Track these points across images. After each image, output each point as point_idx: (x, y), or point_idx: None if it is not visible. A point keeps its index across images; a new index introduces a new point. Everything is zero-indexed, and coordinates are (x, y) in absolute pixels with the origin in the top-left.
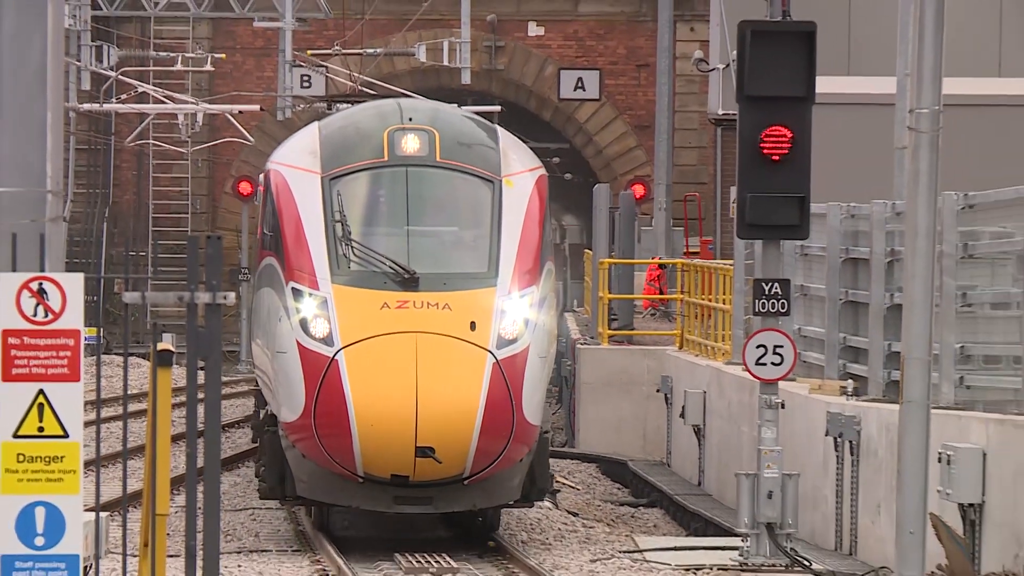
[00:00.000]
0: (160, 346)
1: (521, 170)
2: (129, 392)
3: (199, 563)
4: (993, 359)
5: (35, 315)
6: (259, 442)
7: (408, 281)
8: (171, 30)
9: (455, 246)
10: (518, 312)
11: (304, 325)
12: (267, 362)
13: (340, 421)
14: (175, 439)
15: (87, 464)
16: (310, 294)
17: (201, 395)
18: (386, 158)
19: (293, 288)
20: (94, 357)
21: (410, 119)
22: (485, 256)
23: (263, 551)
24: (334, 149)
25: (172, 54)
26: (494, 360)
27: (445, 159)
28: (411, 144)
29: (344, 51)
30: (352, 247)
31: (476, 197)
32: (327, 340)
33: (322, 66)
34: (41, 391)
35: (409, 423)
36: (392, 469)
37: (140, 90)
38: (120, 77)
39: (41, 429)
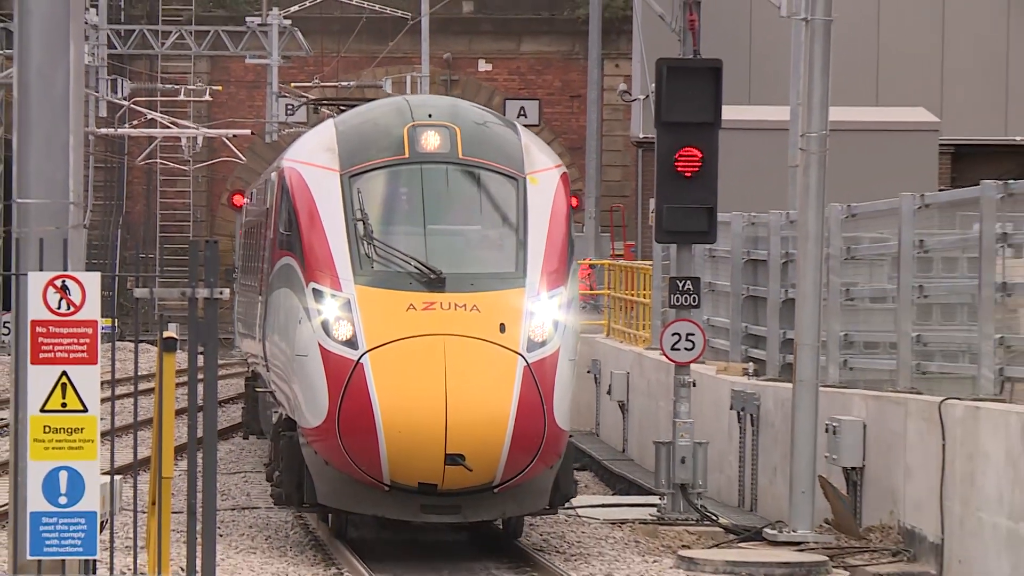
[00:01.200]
0: (166, 334)
1: (544, 167)
2: (139, 373)
3: (199, 518)
4: (872, 345)
5: (59, 308)
6: (272, 447)
7: (434, 282)
8: (175, 66)
9: (481, 245)
10: (547, 313)
11: (327, 327)
12: (285, 365)
13: (366, 427)
14: (178, 413)
15: (103, 434)
16: (332, 295)
17: (200, 376)
18: (407, 155)
19: (314, 289)
20: (109, 344)
21: (429, 115)
22: (512, 256)
23: (253, 508)
24: (352, 146)
25: (176, 86)
26: (525, 363)
27: (467, 156)
28: (432, 140)
29: (322, 84)
30: (375, 246)
31: (500, 195)
32: (351, 343)
33: (304, 96)
34: (64, 372)
35: (439, 430)
36: (420, 477)
37: (149, 117)
38: (132, 106)
39: (64, 405)
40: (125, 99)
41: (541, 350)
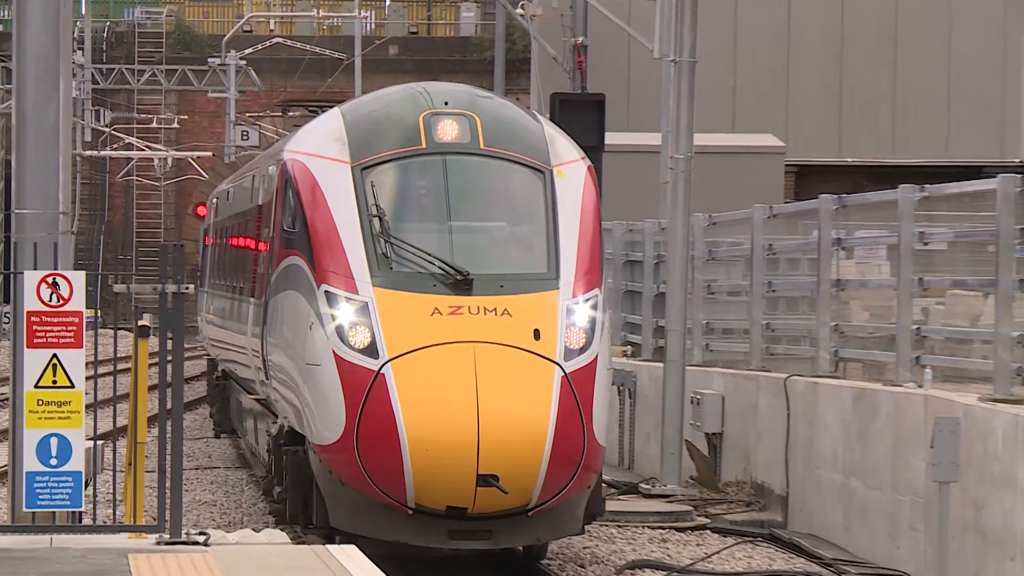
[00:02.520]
0: (140, 323)
1: (571, 159)
2: (118, 355)
3: (168, 476)
4: (729, 331)
5: (50, 300)
6: (272, 461)
7: (461, 283)
8: (149, 98)
9: (509, 244)
10: (584, 318)
11: (342, 334)
12: (291, 374)
13: (389, 445)
14: (151, 388)
15: (87, 407)
16: (348, 298)
17: (169, 357)
18: (423, 145)
19: (327, 292)
20: (93, 330)
21: (446, 103)
22: (543, 255)
23: (214, 468)
24: (363, 136)
25: (149, 115)
26: (562, 373)
27: (490, 147)
28: (450, 130)
29: (272, 114)
30: (393, 245)
31: (527, 189)
32: (370, 351)
33: (257, 124)
34: (54, 355)
35: (470, 448)
36: (449, 500)
37: (127, 141)
38: (112, 132)
39: (54, 382)
40: (107, 126)
41: (579, 358)
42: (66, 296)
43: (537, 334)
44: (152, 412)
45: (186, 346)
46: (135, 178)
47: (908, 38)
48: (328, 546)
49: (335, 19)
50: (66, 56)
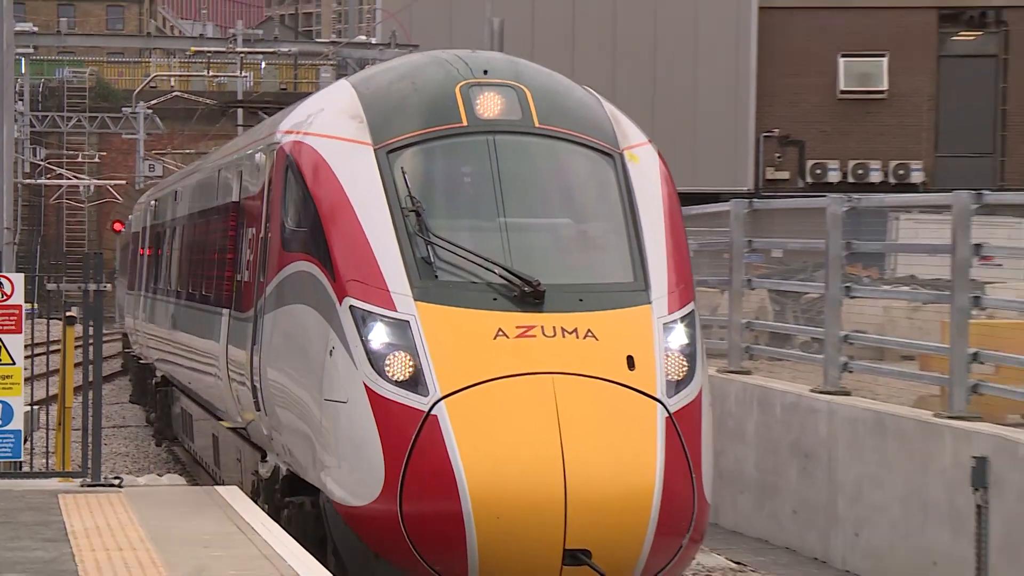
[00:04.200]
0: (68, 314)
1: (640, 142)
2: (51, 339)
3: (90, 433)
4: None
5: None
6: (267, 510)
7: (529, 296)
8: (75, 139)
9: (582, 246)
10: (684, 340)
11: (376, 362)
12: (301, 410)
13: (445, 508)
14: (76, 365)
15: (26, 379)
16: (383, 317)
17: (90, 340)
18: (465, 123)
19: (353, 307)
20: (31, 320)
21: (485, 71)
22: (626, 259)
23: (127, 426)
24: (386, 112)
25: (76, 152)
26: (666, 414)
27: (546, 124)
28: (495, 104)
29: (172, 151)
30: (438, 248)
31: (595, 176)
32: (416, 385)
33: (160, 159)
34: (0, 339)
35: (555, 513)
36: None
37: (58, 172)
38: (46, 165)
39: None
40: (42, 160)
41: (683, 393)
42: (9, 293)
43: (631, 362)
44: (77, 383)
45: (104, 332)
46: (65, 201)
47: (664, 81)
48: (216, 487)
49: (222, 77)
50: (9, 106)
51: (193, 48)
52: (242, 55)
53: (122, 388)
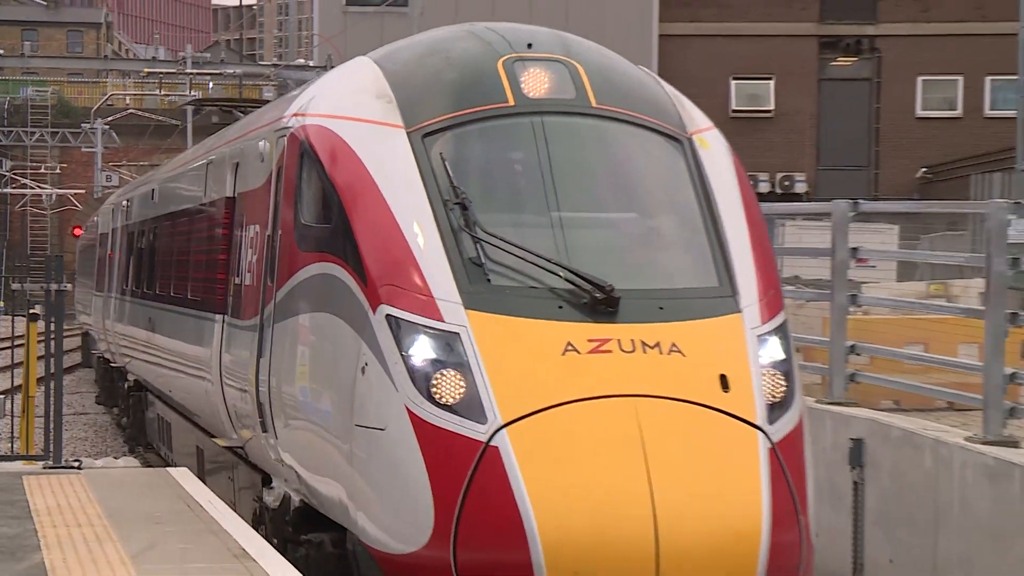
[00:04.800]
0: (32, 311)
1: (707, 126)
2: (15, 335)
3: (52, 419)
4: None
5: None
6: (298, 556)
7: (601, 304)
8: (39, 152)
9: (656, 245)
10: (780, 354)
11: (421, 382)
12: (326, 436)
13: (512, 560)
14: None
15: None
16: (427, 328)
17: (52, 335)
18: (511, 102)
19: (391, 317)
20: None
21: (529, 45)
22: (708, 260)
23: (86, 413)
24: (418, 91)
25: (39, 164)
26: (768, 444)
27: (604, 104)
28: (544, 81)
29: (128, 163)
30: (489, 248)
31: (664, 164)
32: (472, 409)
33: (117, 171)
34: None
35: (645, 561)
36: None
37: (23, 182)
38: (12, 175)
39: None
40: (7, 172)
41: (785, 419)
42: None
43: (724, 382)
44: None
45: (65, 327)
46: (29, 208)
47: None
48: (167, 468)
49: (173, 96)
50: None
51: (147, 69)
52: (191, 76)
53: (81, 379)
